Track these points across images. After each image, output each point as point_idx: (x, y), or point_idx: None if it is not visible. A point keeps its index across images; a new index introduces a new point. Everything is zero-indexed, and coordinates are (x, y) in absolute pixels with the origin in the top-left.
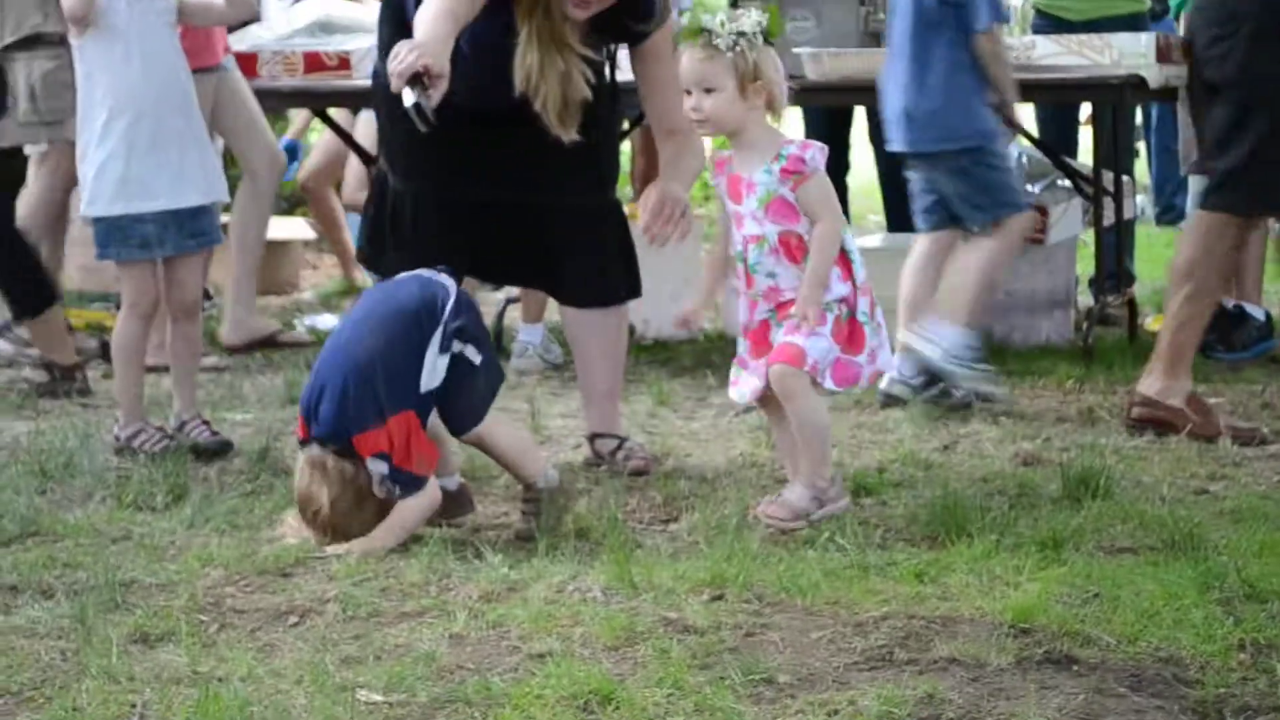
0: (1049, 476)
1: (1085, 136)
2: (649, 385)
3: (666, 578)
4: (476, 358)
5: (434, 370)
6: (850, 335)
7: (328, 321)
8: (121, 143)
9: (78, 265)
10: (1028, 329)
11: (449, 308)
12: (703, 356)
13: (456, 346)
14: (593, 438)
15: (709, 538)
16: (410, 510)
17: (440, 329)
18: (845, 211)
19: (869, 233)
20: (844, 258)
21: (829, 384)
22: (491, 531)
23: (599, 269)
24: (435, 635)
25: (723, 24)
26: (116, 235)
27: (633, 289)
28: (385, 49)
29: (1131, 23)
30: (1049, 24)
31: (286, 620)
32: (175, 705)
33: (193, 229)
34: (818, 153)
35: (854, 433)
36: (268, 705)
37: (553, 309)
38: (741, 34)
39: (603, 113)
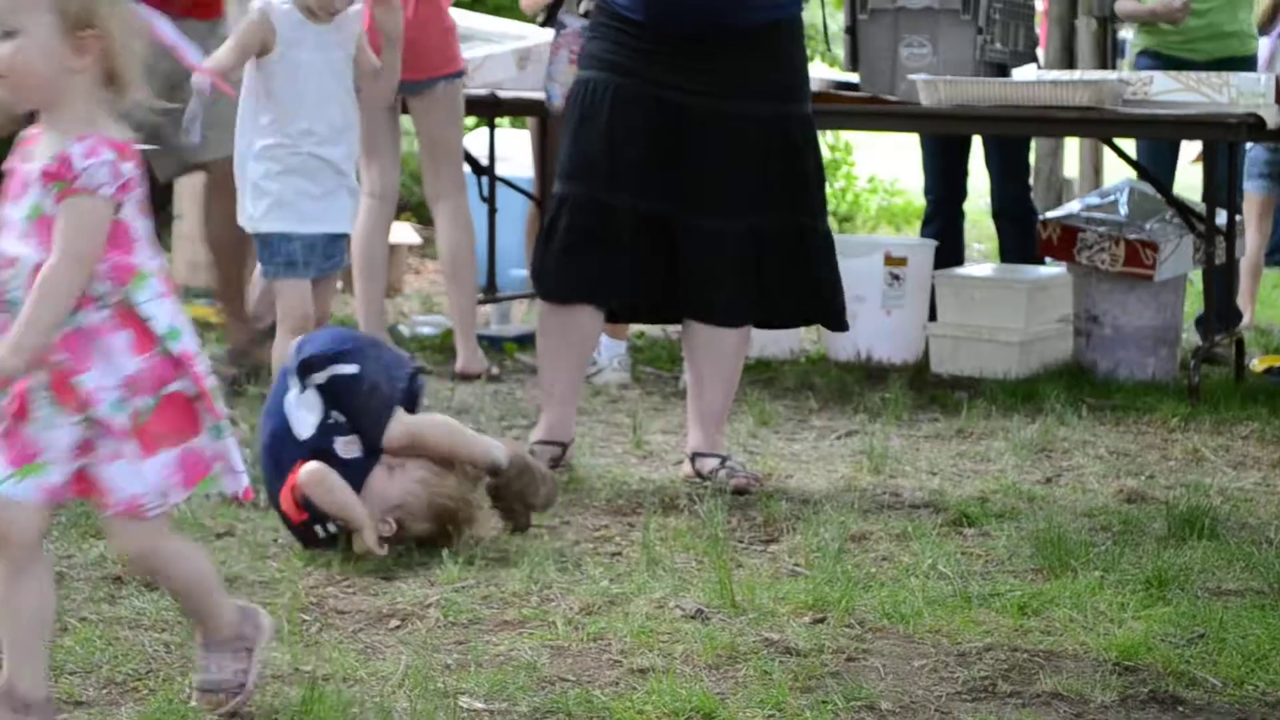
0: (1153, 514)
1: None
2: (750, 405)
3: (768, 599)
4: (350, 368)
5: (305, 409)
6: (185, 415)
7: (430, 325)
8: (278, 166)
9: (185, 261)
10: (1134, 365)
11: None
12: (804, 378)
13: (317, 378)
14: (695, 456)
15: (810, 560)
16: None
17: (291, 376)
18: (959, 240)
19: (973, 261)
20: (139, 322)
21: (177, 497)
22: (591, 544)
23: (748, 289)
24: (536, 645)
25: None
26: (265, 252)
27: (772, 318)
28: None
29: (1247, 64)
30: (1164, 66)
31: (388, 623)
32: (278, 703)
33: (329, 251)
34: (106, 166)
35: (955, 461)
36: (370, 707)
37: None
38: None
39: (761, 142)
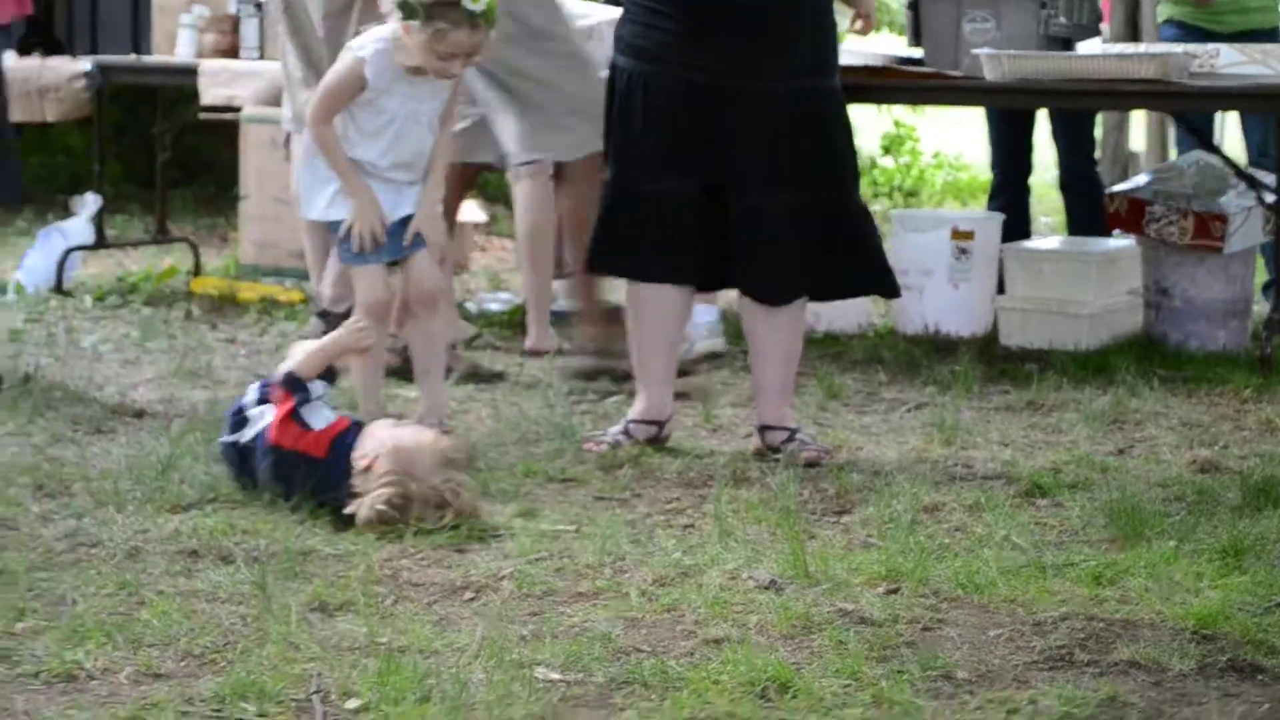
0: (1227, 484)
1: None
2: (819, 378)
3: (841, 569)
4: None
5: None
6: None
7: (498, 302)
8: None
9: (252, 241)
10: (1204, 336)
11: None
12: (873, 351)
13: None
14: (763, 429)
15: (883, 531)
16: None
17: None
18: (1025, 214)
19: (1040, 234)
20: None
21: None
22: (663, 516)
23: (793, 264)
24: (610, 616)
25: None
26: (338, 240)
27: (823, 293)
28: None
29: (1270, 36)
30: (1189, 35)
31: (462, 595)
32: (354, 675)
33: (402, 233)
34: None
35: (1026, 433)
36: (446, 679)
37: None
38: None
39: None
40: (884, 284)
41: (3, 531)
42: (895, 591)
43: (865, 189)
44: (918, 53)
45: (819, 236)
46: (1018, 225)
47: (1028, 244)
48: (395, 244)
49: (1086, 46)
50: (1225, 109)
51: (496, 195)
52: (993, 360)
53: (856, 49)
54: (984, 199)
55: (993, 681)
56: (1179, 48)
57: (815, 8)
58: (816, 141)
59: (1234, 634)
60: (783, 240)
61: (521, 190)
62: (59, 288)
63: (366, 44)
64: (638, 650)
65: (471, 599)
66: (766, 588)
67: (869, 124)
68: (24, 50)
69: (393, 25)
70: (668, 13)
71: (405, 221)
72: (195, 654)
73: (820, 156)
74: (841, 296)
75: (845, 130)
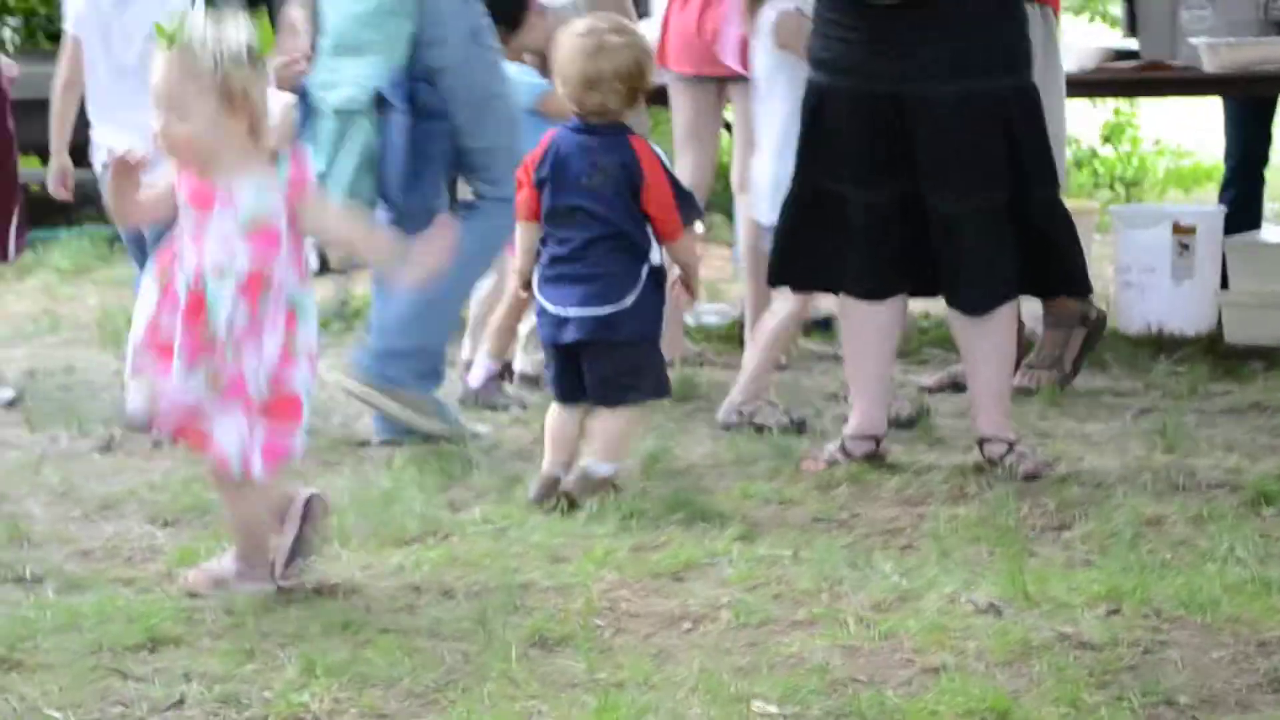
0: None
1: None
2: (1040, 386)
3: (1061, 590)
4: None
5: None
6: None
7: (716, 314)
8: None
9: None
10: None
11: None
12: (1095, 357)
13: None
14: (982, 441)
15: (1103, 547)
16: None
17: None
18: (1257, 205)
19: (1270, 222)
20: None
21: (259, 473)
22: (881, 537)
23: (991, 272)
24: (828, 645)
25: (205, 41)
26: None
27: (1023, 287)
28: None
29: None
30: None
31: (680, 626)
32: (573, 711)
33: None
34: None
35: (1252, 436)
36: (663, 713)
37: None
38: (228, 53)
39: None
40: (1075, 285)
41: None
42: (1116, 612)
43: (1086, 179)
44: (1133, 44)
45: (1013, 237)
46: (1249, 216)
47: (1250, 236)
48: None
49: None
50: None
51: (713, 203)
52: (1217, 359)
53: (1070, 43)
54: (1208, 186)
55: (1215, 706)
56: None
57: (994, 9)
58: (1004, 143)
59: None
60: (979, 248)
61: (746, 198)
62: None
63: None
64: (855, 681)
65: (689, 630)
66: (985, 611)
67: (1087, 114)
68: None
69: None
70: (847, 24)
71: None
72: (417, 693)
73: (1009, 157)
74: (1033, 294)
75: (1038, 128)
